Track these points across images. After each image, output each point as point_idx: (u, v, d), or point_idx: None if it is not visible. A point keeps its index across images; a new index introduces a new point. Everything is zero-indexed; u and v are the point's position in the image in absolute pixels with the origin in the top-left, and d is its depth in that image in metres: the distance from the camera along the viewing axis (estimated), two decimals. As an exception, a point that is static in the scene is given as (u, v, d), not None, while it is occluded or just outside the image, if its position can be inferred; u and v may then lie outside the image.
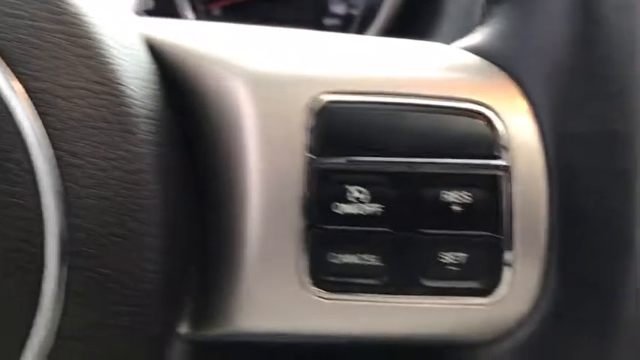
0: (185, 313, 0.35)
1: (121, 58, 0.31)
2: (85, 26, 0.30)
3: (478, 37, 0.36)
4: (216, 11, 0.94)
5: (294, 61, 0.33)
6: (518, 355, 0.33)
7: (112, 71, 0.31)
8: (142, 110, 0.31)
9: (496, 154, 0.32)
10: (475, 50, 0.35)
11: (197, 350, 0.38)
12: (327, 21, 0.92)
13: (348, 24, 0.91)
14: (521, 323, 0.33)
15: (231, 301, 0.33)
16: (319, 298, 0.33)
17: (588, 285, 0.32)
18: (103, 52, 0.31)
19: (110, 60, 0.31)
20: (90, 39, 0.30)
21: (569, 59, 0.32)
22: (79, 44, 0.30)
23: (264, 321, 0.33)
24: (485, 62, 0.34)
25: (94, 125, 0.30)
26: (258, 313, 0.33)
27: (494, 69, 0.34)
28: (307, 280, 0.32)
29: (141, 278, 0.30)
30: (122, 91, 0.31)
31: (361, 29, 0.89)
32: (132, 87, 0.31)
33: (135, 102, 0.31)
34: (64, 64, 0.30)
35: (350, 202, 0.32)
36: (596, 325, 0.32)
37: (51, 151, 0.29)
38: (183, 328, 0.35)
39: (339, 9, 0.92)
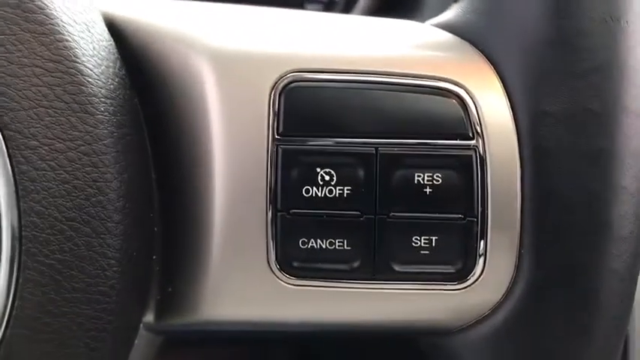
0: (150, 302, 0.33)
1: (77, 35, 0.30)
2: (39, 1, 0.29)
3: (451, 13, 0.34)
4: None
5: (260, 39, 0.32)
6: (494, 339, 0.32)
7: (68, 48, 0.29)
8: (100, 90, 0.30)
9: (468, 134, 0.31)
10: (448, 27, 0.34)
11: (164, 340, 0.37)
12: (310, 6, 0.91)
13: (331, 7, 0.90)
14: (496, 308, 0.32)
15: (197, 290, 0.32)
16: (288, 285, 0.31)
17: (564, 267, 0.31)
18: (57, 28, 0.29)
19: (65, 37, 0.29)
20: (44, 15, 0.29)
21: (542, 34, 0.31)
22: (33, 20, 0.29)
23: (231, 309, 0.32)
24: (457, 39, 0.33)
25: (48, 105, 0.29)
26: (225, 301, 0.32)
27: (467, 46, 0.33)
28: (275, 266, 0.31)
29: (101, 265, 0.29)
30: (79, 70, 0.29)
31: (345, 11, 0.87)
32: (89, 65, 0.30)
33: (92, 81, 0.30)
34: (17, 40, 0.29)
35: (318, 185, 0.31)
36: (573, 307, 0.31)
37: (2, 131, 0.28)
38: (149, 318, 0.34)
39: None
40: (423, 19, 0.36)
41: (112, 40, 0.32)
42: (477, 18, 0.33)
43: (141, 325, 0.33)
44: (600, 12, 0.30)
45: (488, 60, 0.32)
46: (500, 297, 0.32)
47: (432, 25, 0.35)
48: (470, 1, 0.33)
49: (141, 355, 0.35)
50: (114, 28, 0.33)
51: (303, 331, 0.35)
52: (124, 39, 0.33)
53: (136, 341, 0.33)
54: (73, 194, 0.29)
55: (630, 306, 0.32)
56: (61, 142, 0.29)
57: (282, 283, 0.31)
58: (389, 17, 0.36)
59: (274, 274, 0.31)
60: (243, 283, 0.32)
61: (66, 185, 0.29)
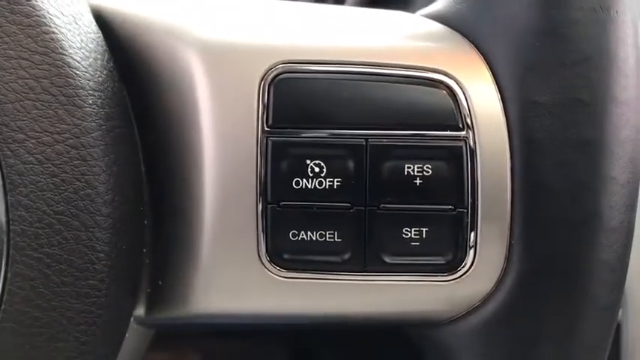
0: (141, 295, 0.33)
1: (64, 28, 0.29)
2: None
3: (441, 4, 0.34)
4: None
5: (250, 31, 0.32)
6: (485, 330, 0.32)
7: (54, 41, 0.29)
8: (87, 82, 0.30)
9: (458, 125, 0.31)
10: (438, 18, 0.34)
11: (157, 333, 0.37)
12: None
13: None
14: (486, 298, 0.32)
15: (188, 283, 0.32)
16: (278, 277, 0.31)
17: (554, 258, 0.31)
18: (44, 20, 0.29)
19: (52, 29, 0.29)
20: (30, 6, 0.29)
21: (532, 24, 0.30)
22: (18, 12, 0.29)
23: (222, 302, 0.32)
24: (447, 30, 0.33)
25: (35, 98, 0.29)
26: (216, 294, 0.32)
27: (457, 36, 0.33)
28: (266, 259, 0.31)
29: (90, 259, 0.29)
30: (66, 62, 0.29)
31: (338, 2, 0.87)
32: (76, 58, 0.29)
33: (80, 73, 0.29)
34: (2, 32, 0.28)
35: (308, 177, 0.31)
36: (563, 298, 0.31)
37: None
38: (140, 311, 0.34)
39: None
40: (413, 10, 0.36)
41: (100, 32, 0.32)
42: (467, 8, 0.33)
43: (132, 318, 0.33)
44: (590, 2, 0.30)
45: (479, 50, 0.32)
46: (490, 288, 0.32)
47: (422, 15, 0.35)
48: None
49: (132, 349, 0.35)
50: (102, 19, 0.33)
51: (294, 324, 0.34)
52: (111, 31, 0.32)
53: (127, 335, 0.33)
54: (62, 187, 0.29)
55: (620, 296, 0.32)
56: (48, 135, 0.29)
57: (273, 275, 0.31)
58: (380, 8, 0.36)
59: (264, 266, 0.31)
60: (233, 276, 0.31)
61: (54, 179, 0.29)
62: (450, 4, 0.34)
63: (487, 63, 0.32)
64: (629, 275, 0.53)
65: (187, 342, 0.51)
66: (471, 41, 0.32)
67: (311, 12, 0.35)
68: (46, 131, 0.29)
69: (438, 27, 0.33)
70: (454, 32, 0.33)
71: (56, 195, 0.29)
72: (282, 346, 0.52)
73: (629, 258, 0.31)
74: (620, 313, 0.54)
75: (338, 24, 0.34)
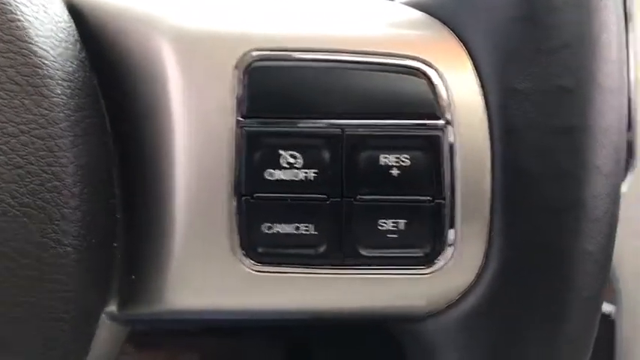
0: (113, 291, 0.32)
1: (31, 16, 0.29)
2: None
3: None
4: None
5: (223, 18, 0.31)
6: (467, 323, 0.31)
7: (20, 29, 0.28)
8: (56, 72, 0.29)
9: (436, 114, 0.30)
10: (418, 5, 0.33)
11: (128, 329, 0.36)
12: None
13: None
14: (467, 291, 0.31)
15: (160, 278, 0.31)
16: (253, 272, 0.31)
17: (535, 249, 0.30)
18: (9, 8, 0.28)
19: (18, 17, 0.28)
20: None
21: (512, 11, 0.30)
22: None
23: (196, 298, 0.31)
24: (427, 17, 0.32)
25: (0, 87, 0.28)
26: (190, 289, 0.31)
27: (437, 24, 0.32)
28: (240, 252, 0.30)
29: (57, 252, 0.28)
30: (32, 51, 0.28)
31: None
32: (44, 46, 0.29)
33: (48, 63, 0.29)
34: None
35: (283, 168, 0.30)
36: (546, 289, 0.30)
37: None
38: (112, 307, 0.33)
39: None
40: None
41: (71, 21, 0.31)
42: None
43: (103, 315, 0.32)
44: None
45: (459, 38, 0.31)
46: (471, 280, 0.31)
47: (402, 2, 0.34)
48: None
49: (105, 346, 0.34)
50: (74, 8, 0.32)
51: (268, 319, 0.34)
52: (82, 19, 0.32)
53: (101, 331, 0.32)
54: (27, 179, 0.28)
55: (603, 287, 0.31)
56: (14, 126, 0.28)
57: (247, 269, 0.31)
58: None
59: (239, 260, 0.30)
60: (207, 271, 0.31)
61: (19, 170, 0.28)
62: None
63: (467, 51, 0.31)
64: (622, 273, 0.52)
65: (183, 341, 0.51)
66: (451, 29, 0.31)
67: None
68: (11, 121, 0.28)
69: (417, 14, 0.32)
70: (434, 20, 0.32)
71: (21, 187, 0.28)
72: (278, 343, 0.52)
73: (612, 249, 0.31)
74: (613, 311, 0.53)
75: (315, 11, 0.33)
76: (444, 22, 0.32)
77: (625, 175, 0.50)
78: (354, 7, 0.33)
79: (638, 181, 0.50)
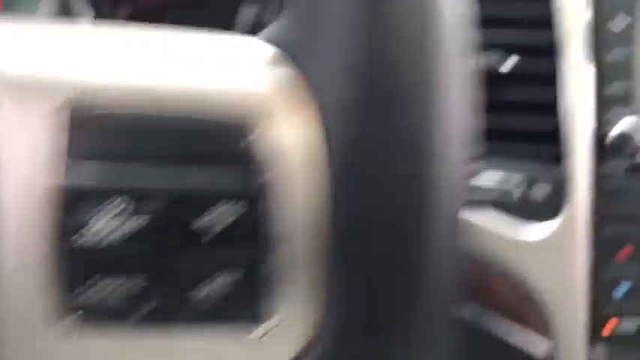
0: None
1: None
2: None
3: (276, 25, 0.31)
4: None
5: (44, 61, 0.29)
6: None
7: None
8: None
9: (266, 163, 0.28)
10: (272, 40, 0.31)
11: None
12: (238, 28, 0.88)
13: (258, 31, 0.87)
14: (299, 356, 0.28)
15: None
16: (69, 336, 0.28)
17: (372, 318, 0.27)
18: None
19: None
20: None
21: (354, 51, 0.27)
22: None
23: None
24: (277, 54, 0.30)
25: None
26: (9, 353, 0.28)
27: (285, 61, 0.29)
28: (57, 314, 0.27)
29: None
30: None
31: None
32: None
33: None
34: None
35: (107, 218, 0.27)
36: (388, 346, 0.27)
37: None
38: None
39: (249, 15, 0.88)
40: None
41: None
42: (295, 30, 0.30)
43: None
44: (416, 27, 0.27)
45: (303, 77, 0.29)
46: (301, 346, 0.28)
47: (263, 37, 0.32)
48: (292, 14, 0.30)
49: None
50: None
51: None
52: None
53: None
54: None
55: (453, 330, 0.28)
56: None
57: (67, 330, 0.28)
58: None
59: (57, 323, 0.28)
60: (24, 334, 0.28)
61: None
62: (283, 26, 0.31)
63: (309, 90, 0.28)
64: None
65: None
66: (296, 67, 0.29)
67: (135, 37, 0.32)
68: None
69: (268, 52, 0.30)
70: (285, 56, 0.30)
71: None
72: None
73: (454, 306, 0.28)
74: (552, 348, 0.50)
75: (156, 51, 0.30)
76: (291, 59, 0.29)
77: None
78: (204, 45, 0.31)
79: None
